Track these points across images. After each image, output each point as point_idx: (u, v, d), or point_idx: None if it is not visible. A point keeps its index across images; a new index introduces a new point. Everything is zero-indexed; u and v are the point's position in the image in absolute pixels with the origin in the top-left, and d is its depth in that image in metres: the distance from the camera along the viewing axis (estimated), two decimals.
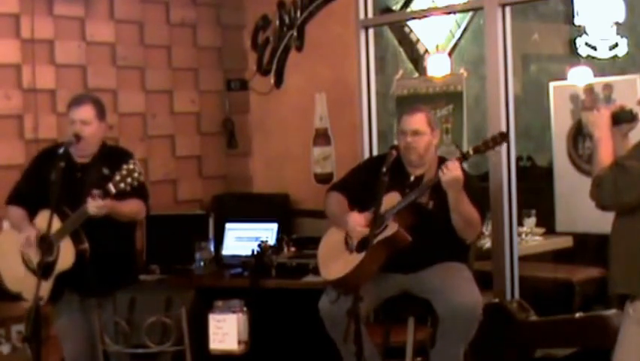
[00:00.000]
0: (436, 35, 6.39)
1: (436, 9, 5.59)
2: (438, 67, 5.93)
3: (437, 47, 6.33)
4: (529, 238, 5.63)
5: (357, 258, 3.78)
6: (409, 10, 6.05)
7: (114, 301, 4.02)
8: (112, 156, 4.12)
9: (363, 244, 3.78)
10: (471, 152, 3.87)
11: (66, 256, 3.91)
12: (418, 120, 4.00)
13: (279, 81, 5.65)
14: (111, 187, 3.76)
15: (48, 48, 5.04)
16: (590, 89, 5.22)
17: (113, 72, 5.33)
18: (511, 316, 4.41)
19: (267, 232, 5.06)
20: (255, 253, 4.68)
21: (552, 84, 5.56)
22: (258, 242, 4.74)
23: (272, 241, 4.91)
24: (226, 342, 3.64)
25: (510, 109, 4.63)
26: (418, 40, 6.42)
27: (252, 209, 5.44)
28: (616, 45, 6.69)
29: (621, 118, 3.09)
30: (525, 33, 6.58)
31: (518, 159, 5.21)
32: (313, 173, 5.53)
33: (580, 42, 6.80)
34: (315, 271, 4.34)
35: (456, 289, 3.80)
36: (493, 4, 4.64)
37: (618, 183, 2.90)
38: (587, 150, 5.13)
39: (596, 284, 5.37)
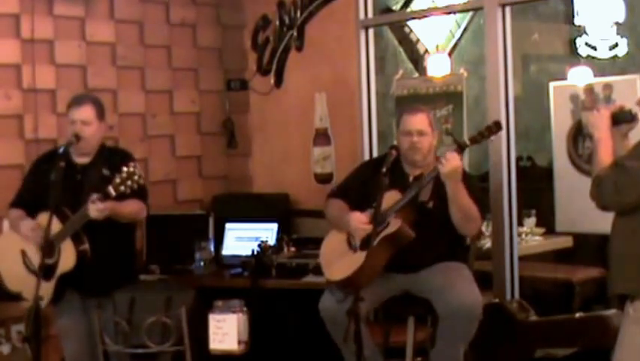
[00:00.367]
0: (436, 35, 6.39)
1: (436, 9, 5.59)
2: (438, 67, 5.93)
3: (437, 47, 6.32)
4: (529, 238, 5.63)
5: (361, 256, 3.74)
6: (409, 10, 6.05)
7: (114, 301, 4.03)
8: (112, 156, 4.13)
9: (367, 243, 3.76)
10: (468, 142, 3.89)
11: (67, 257, 3.91)
12: (421, 120, 4.01)
13: (279, 81, 5.65)
14: (111, 190, 3.75)
15: (48, 48, 5.03)
16: (590, 89, 5.22)
17: (113, 72, 5.32)
18: (511, 316, 4.40)
19: (267, 232, 5.06)
20: (255, 253, 4.67)
21: (552, 84, 5.56)
22: (258, 242, 4.74)
23: (272, 241, 4.90)
24: (226, 342, 3.64)
25: (510, 109, 4.63)
26: (418, 40, 6.41)
27: (252, 209, 5.43)
28: (616, 45, 6.69)
29: (621, 118, 3.09)
30: (525, 33, 6.59)
31: (518, 159, 5.22)
32: (313, 173, 5.53)
33: (580, 42, 6.81)
34: (315, 271, 4.35)
35: (456, 289, 3.79)
36: (493, 4, 4.64)
37: (618, 183, 2.90)
38: (587, 150, 5.13)
39: (596, 284, 5.38)
